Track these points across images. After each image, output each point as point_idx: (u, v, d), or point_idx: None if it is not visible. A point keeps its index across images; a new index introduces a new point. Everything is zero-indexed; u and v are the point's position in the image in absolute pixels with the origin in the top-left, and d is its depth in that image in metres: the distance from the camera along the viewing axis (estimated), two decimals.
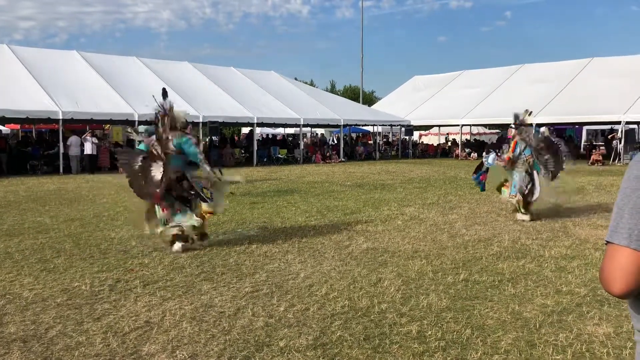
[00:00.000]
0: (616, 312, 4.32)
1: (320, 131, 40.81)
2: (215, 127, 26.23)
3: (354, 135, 39.40)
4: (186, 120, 7.10)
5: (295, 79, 43.01)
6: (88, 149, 20.78)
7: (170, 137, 6.68)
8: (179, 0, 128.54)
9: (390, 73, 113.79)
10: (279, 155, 27.44)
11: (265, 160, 26.57)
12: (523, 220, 8.89)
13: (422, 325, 4.06)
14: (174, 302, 4.65)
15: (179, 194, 6.66)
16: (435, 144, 37.81)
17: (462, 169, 22.19)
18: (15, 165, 20.53)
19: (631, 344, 3.65)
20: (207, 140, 27.61)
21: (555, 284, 5.16)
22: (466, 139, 35.75)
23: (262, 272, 5.65)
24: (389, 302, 4.63)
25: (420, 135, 43.12)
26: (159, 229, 6.75)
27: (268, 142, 31.11)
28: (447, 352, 3.57)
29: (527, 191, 9.06)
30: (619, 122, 26.51)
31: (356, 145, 34.10)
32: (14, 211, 10.09)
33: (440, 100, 35.27)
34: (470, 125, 34.69)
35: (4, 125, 30.77)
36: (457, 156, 31.84)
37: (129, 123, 23.97)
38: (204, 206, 6.78)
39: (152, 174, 6.66)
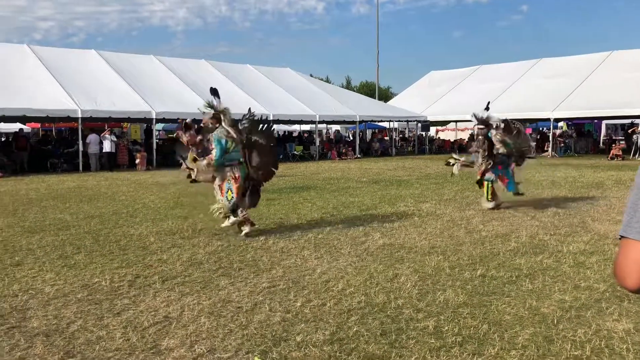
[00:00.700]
0: (636, 308, 4.28)
1: (336, 127, 40.78)
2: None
3: (369, 131, 39.31)
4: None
5: (311, 75, 43.08)
6: (107, 146, 21.02)
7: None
8: None
9: (406, 69, 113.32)
10: (295, 152, 27.48)
11: (281, 157, 26.63)
12: (488, 208, 9.47)
13: (439, 320, 4.07)
14: (192, 297, 4.70)
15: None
16: (452, 140, 37.59)
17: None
18: (36, 163, 20.86)
19: None
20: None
21: (574, 280, 5.12)
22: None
23: (279, 267, 5.69)
24: (406, 297, 4.64)
25: (437, 131, 42.91)
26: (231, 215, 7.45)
27: (284, 139, 31.17)
28: (463, 348, 3.57)
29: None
30: (639, 116, 26.11)
31: (372, 141, 34.02)
32: (35, 208, 10.26)
33: (457, 96, 35.00)
34: None
35: (25, 124, 31.23)
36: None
37: (147, 121, 24.25)
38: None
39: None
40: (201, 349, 3.58)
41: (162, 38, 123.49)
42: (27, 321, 4.13)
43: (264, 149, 7.65)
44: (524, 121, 38.96)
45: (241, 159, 7.44)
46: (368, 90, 59.90)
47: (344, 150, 28.94)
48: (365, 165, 22.14)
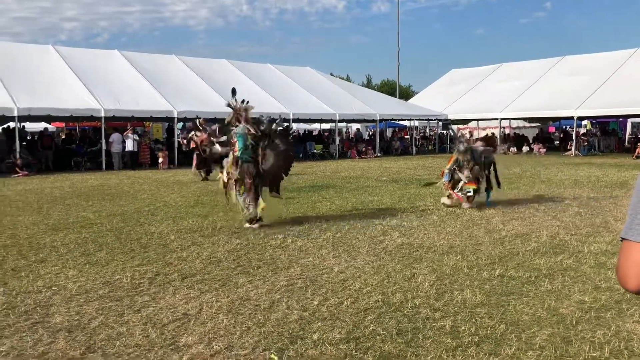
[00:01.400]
0: None
1: (356, 126, 40.74)
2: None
3: (389, 130, 39.17)
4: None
5: (331, 74, 43.05)
6: (129, 145, 21.29)
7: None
8: None
9: (427, 67, 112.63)
10: (315, 151, 27.52)
11: (301, 155, 26.70)
12: (444, 204, 9.75)
13: (456, 320, 4.06)
14: (211, 295, 4.76)
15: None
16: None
17: (501, 163, 21.82)
18: (61, 162, 21.25)
19: None
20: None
21: (594, 280, 5.06)
22: (505, 133, 35.13)
23: (297, 266, 5.72)
24: (423, 297, 4.64)
25: (459, 130, 42.56)
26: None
27: (304, 137, 31.23)
28: (480, 347, 3.56)
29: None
30: None
31: (392, 140, 33.91)
32: (59, 206, 10.46)
33: (478, 94, 34.70)
34: (509, 119, 34.07)
35: (50, 124, 31.80)
36: None
37: (169, 120, 24.50)
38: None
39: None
40: (219, 346, 3.63)
41: (184, 38, 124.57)
42: (50, 317, 4.22)
43: (281, 154, 8.08)
44: (546, 120, 38.61)
45: (251, 157, 7.81)
46: (389, 88, 59.69)
47: (364, 149, 28.89)
48: (385, 164, 22.09)
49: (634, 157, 24.04)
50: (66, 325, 4.05)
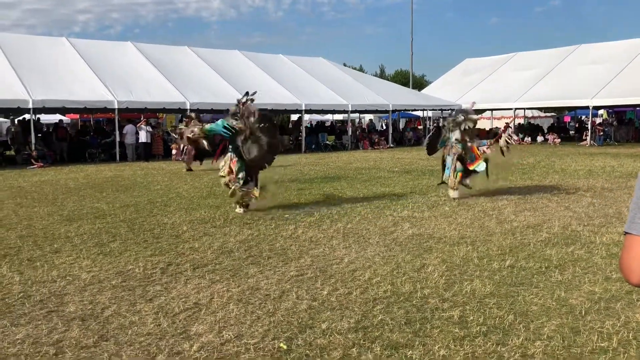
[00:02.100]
0: None
1: (369, 117, 40.61)
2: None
3: (403, 120, 39.01)
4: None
5: (344, 64, 42.94)
6: (143, 137, 21.42)
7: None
8: None
9: (440, 56, 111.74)
10: (327, 142, 27.51)
11: (313, 147, 26.71)
12: (453, 198, 9.56)
13: (464, 310, 4.07)
14: (222, 284, 4.81)
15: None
16: (487, 129, 36.99)
17: (515, 154, 21.69)
18: (76, 153, 21.47)
19: None
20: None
21: (605, 271, 5.04)
22: (519, 123, 34.84)
23: (307, 256, 5.76)
24: (432, 287, 4.65)
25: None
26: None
27: (317, 128, 31.21)
28: (487, 337, 3.57)
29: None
30: None
31: (405, 130, 33.76)
32: (73, 197, 10.59)
33: (492, 84, 34.39)
34: (524, 108, 33.74)
35: (64, 115, 32.11)
36: None
37: (181, 112, 24.57)
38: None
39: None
40: (229, 335, 3.68)
41: (197, 29, 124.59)
42: (64, 306, 4.30)
43: (265, 145, 8.58)
44: (562, 109, 38.15)
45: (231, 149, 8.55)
46: (402, 78, 59.35)
47: (376, 140, 28.81)
48: (398, 155, 22.04)
49: None
50: (80, 314, 4.12)
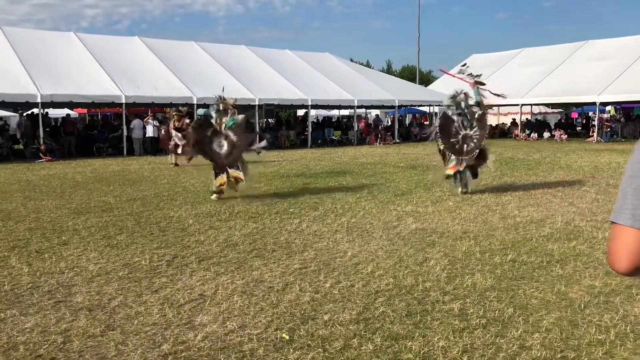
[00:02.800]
0: None
1: (375, 112, 40.57)
2: (270, 110, 26.60)
3: (409, 115, 38.94)
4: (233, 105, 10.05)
5: (351, 59, 42.89)
6: (150, 131, 21.54)
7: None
8: None
9: (448, 52, 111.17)
10: (333, 137, 27.54)
11: (319, 142, 26.76)
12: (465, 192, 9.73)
13: (465, 303, 4.13)
14: (226, 277, 4.89)
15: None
16: (494, 124, 36.88)
17: (521, 149, 21.71)
18: (83, 147, 21.61)
19: None
20: (263, 122, 28.06)
21: (606, 266, 5.08)
22: (526, 119, 34.72)
23: (311, 250, 5.83)
24: (434, 280, 4.71)
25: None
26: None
27: (323, 123, 31.23)
28: (487, 330, 3.63)
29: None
30: None
31: (411, 126, 33.72)
32: (81, 191, 10.70)
33: (499, 79, 34.13)
34: (530, 104, 33.60)
35: (72, 110, 32.29)
36: (516, 137, 30.99)
37: (188, 106, 24.67)
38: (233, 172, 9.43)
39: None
40: (232, 325, 3.75)
41: (204, 24, 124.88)
42: (72, 296, 4.39)
43: (237, 139, 9.47)
44: (569, 105, 37.93)
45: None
46: (409, 74, 59.17)
47: (382, 135, 28.81)
48: (404, 151, 22.06)
49: None
50: (87, 304, 4.21)
